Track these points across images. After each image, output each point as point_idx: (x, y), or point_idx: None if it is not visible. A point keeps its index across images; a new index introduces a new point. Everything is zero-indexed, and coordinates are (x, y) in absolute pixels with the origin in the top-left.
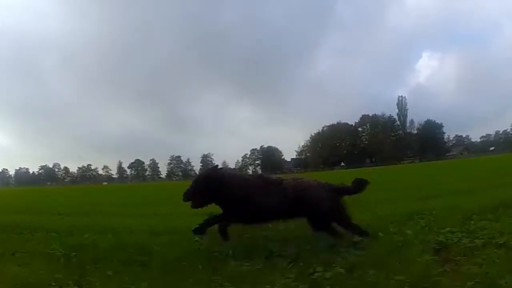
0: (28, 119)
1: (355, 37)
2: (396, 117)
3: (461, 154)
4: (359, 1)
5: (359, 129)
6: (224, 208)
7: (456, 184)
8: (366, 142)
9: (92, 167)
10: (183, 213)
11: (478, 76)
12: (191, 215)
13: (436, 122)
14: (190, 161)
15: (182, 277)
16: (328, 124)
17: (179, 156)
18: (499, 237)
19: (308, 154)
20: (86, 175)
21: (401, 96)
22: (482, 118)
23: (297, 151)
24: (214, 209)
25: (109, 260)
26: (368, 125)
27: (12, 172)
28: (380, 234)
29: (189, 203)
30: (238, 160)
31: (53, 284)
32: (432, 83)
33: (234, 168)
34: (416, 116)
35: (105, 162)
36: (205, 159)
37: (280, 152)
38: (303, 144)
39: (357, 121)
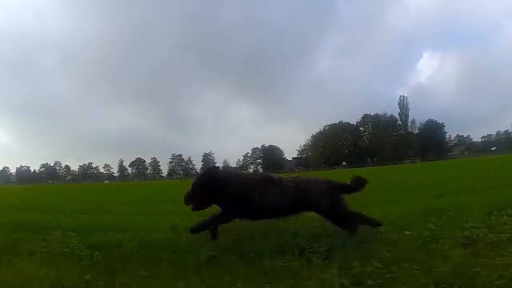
0: (29, 118)
1: (355, 37)
2: (397, 116)
3: (462, 154)
4: (359, 1)
5: (361, 128)
6: (224, 207)
7: (466, 183)
8: (367, 142)
9: (93, 166)
10: (206, 211)
11: (479, 76)
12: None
13: (438, 122)
14: (191, 159)
15: (218, 276)
16: (330, 124)
17: (180, 155)
18: None
19: (309, 153)
20: (87, 174)
21: (403, 96)
22: (483, 118)
23: (298, 150)
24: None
25: (137, 259)
26: (369, 124)
27: (13, 170)
28: (407, 231)
29: (190, 206)
30: (239, 159)
31: (84, 286)
32: (433, 83)
33: (235, 167)
34: (417, 116)
35: (106, 161)
36: (206, 158)
37: (281, 151)
38: (304, 143)
39: (358, 121)
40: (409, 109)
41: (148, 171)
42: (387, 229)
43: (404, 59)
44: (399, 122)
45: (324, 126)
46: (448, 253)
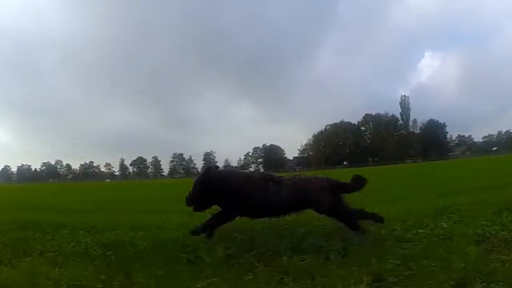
0: (30, 116)
1: (356, 37)
2: (399, 116)
3: (464, 154)
4: (360, 1)
5: (362, 128)
6: (224, 206)
7: (471, 182)
8: (368, 141)
9: (95, 164)
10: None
11: (480, 76)
12: None
13: (439, 122)
14: (193, 159)
15: (239, 274)
16: (331, 123)
17: (181, 154)
18: None
19: (310, 152)
20: (88, 172)
21: (404, 96)
22: (484, 118)
23: (299, 150)
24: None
25: (152, 258)
26: (371, 124)
27: (14, 169)
28: (420, 229)
29: (191, 208)
30: (240, 158)
31: (100, 286)
32: (434, 83)
33: (236, 166)
34: (418, 116)
35: (107, 160)
36: (207, 157)
37: (282, 151)
38: (305, 142)
39: (360, 120)
40: (410, 108)
41: (149, 170)
42: (400, 227)
43: (406, 58)
44: (401, 122)
45: (326, 126)
46: (464, 250)
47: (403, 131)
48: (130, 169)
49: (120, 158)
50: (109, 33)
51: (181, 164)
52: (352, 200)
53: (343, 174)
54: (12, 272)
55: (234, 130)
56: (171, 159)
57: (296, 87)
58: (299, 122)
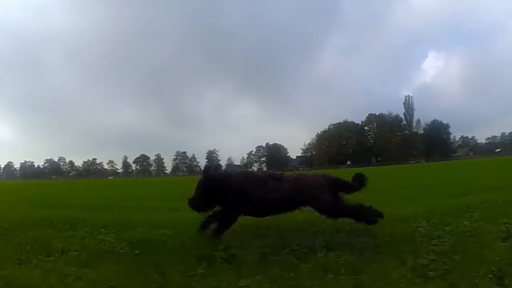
0: (33, 113)
1: (360, 36)
2: (402, 116)
3: (467, 155)
4: (364, 0)
5: (365, 128)
6: (225, 206)
7: (483, 182)
8: (372, 141)
9: (97, 162)
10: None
11: (484, 77)
12: None
13: (443, 122)
14: (196, 157)
15: (280, 272)
16: (334, 123)
17: (184, 152)
18: None
19: (313, 152)
20: (91, 169)
21: (408, 96)
22: (488, 119)
23: (302, 149)
24: None
25: (185, 257)
26: (374, 124)
27: (17, 166)
28: (446, 227)
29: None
30: (243, 157)
31: (135, 286)
32: (438, 83)
33: (238, 165)
34: (422, 116)
35: (110, 157)
36: (210, 155)
37: (286, 150)
38: (308, 142)
39: (363, 120)
40: (414, 109)
41: (152, 167)
42: (425, 225)
43: (409, 58)
44: (404, 122)
45: (329, 125)
46: (492, 246)
47: (407, 132)
48: (133, 166)
49: (123, 155)
50: (112, 31)
51: (184, 162)
52: (372, 199)
53: (346, 174)
54: (37, 272)
55: (237, 129)
56: (174, 157)
57: (300, 86)
58: (302, 121)
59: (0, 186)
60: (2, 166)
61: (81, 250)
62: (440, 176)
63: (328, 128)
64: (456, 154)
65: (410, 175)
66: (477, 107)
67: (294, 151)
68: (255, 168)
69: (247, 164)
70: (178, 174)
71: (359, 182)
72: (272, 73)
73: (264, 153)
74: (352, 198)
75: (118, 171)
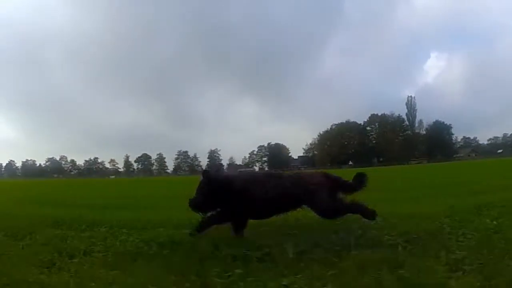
0: (35, 112)
1: (363, 37)
2: (404, 117)
3: (469, 156)
4: (367, 1)
5: (368, 128)
6: (225, 206)
7: (492, 182)
8: (374, 142)
9: (99, 161)
10: None
11: (486, 78)
12: None
13: (445, 123)
14: (197, 156)
15: (320, 270)
16: (337, 123)
17: (186, 151)
18: None
19: (315, 152)
20: (93, 168)
21: (410, 96)
22: (490, 120)
23: (304, 149)
24: None
25: (218, 258)
26: (376, 124)
27: (19, 164)
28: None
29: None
30: (245, 157)
31: None
32: (440, 84)
33: (240, 165)
34: (424, 117)
35: (112, 156)
36: (212, 154)
37: (287, 150)
38: (310, 142)
39: (365, 120)
40: (416, 109)
41: (154, 167)
42: (448, 222)
43: (412, 59)
44: (406, 122)
45: (331, 125)
46: None
47: (409, 132)
48: (135, 165)
49: (124, 154)
50: (113, 31)
51: (185, 162)
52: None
53: (348, 174)
54: (63, 275)
55: (239, 128)
56: (176, 156)
57: (302, 86)
58: (305, 121)
59: (2, 184)
60: (4, 164)
61: (106, 251)
62: (447, 176)
63: (330, 128)
64: (458, 155)
65: (416, 176)
66: (479, 108)
67: (296, 151)
68: (256, 168)
69: (249, 163)
70: (180, 173)
71: (360, 182)
72: (274, 73)
73: (266, 153)
74: (363, 197)
75: (119, 170)
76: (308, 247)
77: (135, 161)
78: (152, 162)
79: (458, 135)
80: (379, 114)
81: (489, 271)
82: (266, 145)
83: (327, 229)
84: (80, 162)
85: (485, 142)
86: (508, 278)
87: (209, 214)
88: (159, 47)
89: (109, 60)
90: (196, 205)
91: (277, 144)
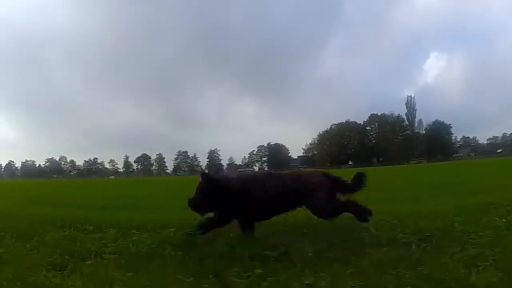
0: (34, 112)
1: (362, 37)
2: (404, 116)
3: (468, 155)
4: (366, 1)
5: (367, 128)
6: (224, 208)
7: (494, 181)
8: (374, 142)
9: (99, 161)
10: None
11: (486, 77)
12: None
13: (444, 123)
14: (197, 156)
15: (339, 268)
16: (336, 123)
17: (185, 151)
18: None
19: (315, 152)
20: (92, 169)
21: (410, 96)
22: (489, 120)
23: (304, 149)
24: None
25: (234, 258)
26: (376, 124)
27: (18, 165)
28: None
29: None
30: (245, 157)
31: None
32: (440, 84)
33: (239, 165)
34: (424, 116)
35: (112, 156)
36: (212, 155)
37: (287, 150)
38: (310, 142)
39: (365, 120)
40: (416, 109)
41: (154, 167)
42: (458, 221)
43: (411, 59)
44: (406, 122)
45: (331, 125)
46: None
47: (409, 132)
48: (134, 166)
49: (124, 155)
50: (113, 31)
51: (185, 162)
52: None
53: (348, 173)
54: (77, 278)
55: (239, 128)
56: (176, 156)
57: (302, 86)
58: (304, 121)
59: (2, 185)
60: (4, 165)
61: (118, 253)
62: (449, 176)
63: (330, 128)
64: (457, 155)
65: (416, 175)
66: (479, 108)
67: (296, 151)
68: (256, 168)
69: (249, 163)
70: (179, 173)
71: (359, 182)
72: (274, 73)
73: (266, 153)
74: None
75: (119, 170)
76: (325, 246)
77: (134, 162)
78: (152, 162)
79: (457, 134)
80: (379, 114)
81: (506, 265)
82: (265, 145)
83: (340, 228)
84: (79, 162)
85: (485, 142)
86: None
87: (210, 215)
88: (159, 47)
89: (109, 60)
90: (195, 204)
91: (276, 144)
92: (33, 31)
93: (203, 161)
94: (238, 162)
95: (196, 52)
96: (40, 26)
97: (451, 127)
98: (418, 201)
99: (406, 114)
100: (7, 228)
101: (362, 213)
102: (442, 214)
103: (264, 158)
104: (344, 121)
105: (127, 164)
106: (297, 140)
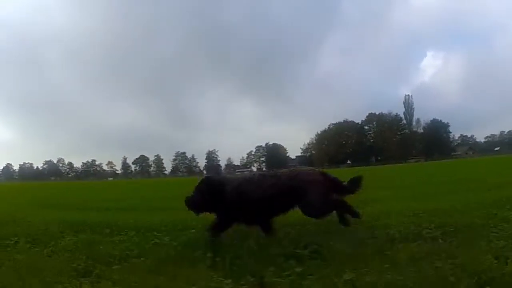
0: (32, 114)
1: (360, 36)
2: (402, 115)
3: (466, 154)
4: (364, 0)
5: (365, 127)
6: (222, 212)
7: (499, 178)
8: (372, 141)
9: (97, 163)
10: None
11: (483, 76)
12: None
13: (442, 121)
14: (195, 157)
15: (377, 264)
16: (334, 122)
17: (184, 152)
18: None
19: (313, 151)
20: (90, 171)
21: (408, 95)
22: (487, 118)
23: (302, 149)
24: None
25: (266, 258)
26: (374, 123)
27: (16, 167)
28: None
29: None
30: (243, 157)
31: None
32: (437, 82)
33: (237, 165)
34: (421, 115)
35: (110, 158)
36: (210, 155)
37: (285, 150)
38: (308, 141)
39: (363, 120)
40: (414, 108)
41: (152, 168)
42: (477, 215)
43: (409, 58)
44: (404, 121)
45: (329, 125)
46: None
47: (407, 131)
48: (132, 167)
49: (122, 156)
50: (112, 31)
51: (183, 163)
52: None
53: (348, 173)
54: (106, 284)
55: (237, 129)
56: (174, 157)
57: (300, 86)
58: (302, 121)
59: (1, 187)
60: (1, 167)
61: (144, 256)
62: (451, 174)
63: (328, 127)
64: (455, 153)
65: (421, 173)
66: (476, 106)
67: (294, 151)
68: (254, 169)
69: (247, 164)
70: (177, 175)
71: (356, 185)
72: (272, 73)
73: (264, 153)
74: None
75: (117, 172)
76: (355, 243)
77: (132, 163)
78: (150, 163)
79: (455, 133)
80: (377, 113)
81: None
82: (263, 145)
83: (364, 226)
84: (77, 164)
85: (482, 140)
86: None
87: (215, 217)
88: (159, 47)
89: (108, 61)
90: (193, 203)
91: (274, 144)
92: (31, 31)
93: (202, 162)
94: (236, 162)
95: (195, 52)
96: (39, 27)
97: (449, 125)
98: (431, 198)
99: (404, 113)
100: (19, 233)
101: (353, 212)
102: (459, 210)
103: (262, 159)
104: (342, 121)
105: (125, 165)
106: (295, 140)
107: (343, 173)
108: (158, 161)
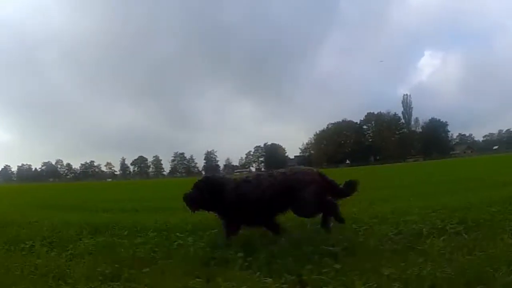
0: (31, 116)
1: (359, 36)
2: (401, 115)
3: (465, 153)
4: (363, 0)
5: (364, 127)
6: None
7: (501, 177)
8: (370, 140)
9: (95, 164)
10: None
11: (481, 75)
12: None
13: (441, 120)
14: (194, 158)
15: (412, 259)
16: (333, 122)
17: (182, 153)
18: None
19: (312, 151)
20: (89, 172)
21: (406, 95)
22: (485, 117)
23: (301, 149)
24: None
25: (300, 256)
26: (373, 123)
27: (14, 169)
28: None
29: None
30: (241, 157)
31: None
32: (435, 82)
33: (236, 166)
34: (420, 115)
35: (108, 159)
36: (209, 156)
37: (284, 150)
38: (307, 141)
39: (362, 119)
40: (412, 107)
41: (150, 169)
42: (495, 210)
43: (408, 57)
44: (402, 120)
45: (327, 125)
46: None
47: (405, 130)
48: (131, 168)
49: (121, 157)
50: (111, 31)
51: (182, 164)
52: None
53: (347, 173)
54: None
55: (236, 129)
56: (172, 158)
57: (298, 86)
58: (301, 121)
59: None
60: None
61: (171, 258)
62: (451, 173)
63: (327, 127)
64: (454, 152)
65: (420, 173)
66: (474, 105)
67: (293, 151)
68: (253, 169)
69: (245, 164)
70: (176, 175)
71: (351, 188)
72: (271, 73)
73: (262, 153)
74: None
75: (116, 173)
76: (386, 239)
77: (131, 164)
78: (148, 164)
79: (454, 132)
80: (375, 112)
81: None
82: (262, 145)
83: (388, 223)
84: (76, 165)
85: (481, 139)
86: None
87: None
88: (158, 47)
89: (106, 62)
90: (191, 200)
91: (273, 145)
92: (30, 32)
93: (200, 163)
94: (235, 163)
95: (195, 52)
96: (37, 28)
97: (447, 124)
98: (444, 195)
99: (402, 112)
100: (33, 236)
101: (339, 218)
102: (476, 206)
103: (261, 159)
104: (340, 120)
105: (123, 166)
106: (294, 140)
107: (343, 173)
108: (157, 162)
